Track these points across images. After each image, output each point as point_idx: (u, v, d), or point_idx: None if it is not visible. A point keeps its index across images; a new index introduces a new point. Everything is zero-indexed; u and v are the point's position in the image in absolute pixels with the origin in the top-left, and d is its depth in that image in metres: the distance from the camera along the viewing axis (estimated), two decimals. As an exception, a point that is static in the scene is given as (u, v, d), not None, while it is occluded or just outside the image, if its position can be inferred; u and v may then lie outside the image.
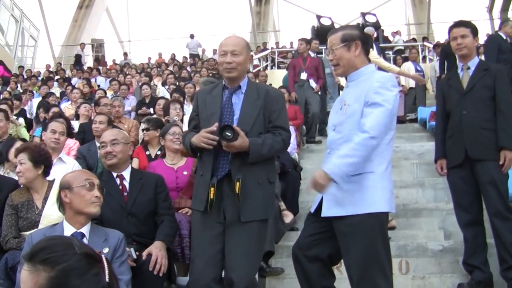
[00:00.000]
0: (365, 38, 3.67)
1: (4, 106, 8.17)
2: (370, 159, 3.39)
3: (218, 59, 3.90)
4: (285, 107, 3.97)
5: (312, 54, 11.05)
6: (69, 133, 6.50)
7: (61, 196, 3.46)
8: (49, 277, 1.60)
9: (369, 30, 11.88)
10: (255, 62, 18.66)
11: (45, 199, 4.22)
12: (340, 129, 3.55)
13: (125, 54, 27.33)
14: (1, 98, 12.67)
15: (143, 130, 6.29)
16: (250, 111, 3.74)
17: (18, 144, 5.45)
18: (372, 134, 3.32)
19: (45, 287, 1.60)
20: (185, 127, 6.69)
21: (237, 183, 3.58)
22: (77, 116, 8.83)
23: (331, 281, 3.70)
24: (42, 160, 4.34)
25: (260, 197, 3.70)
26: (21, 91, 15.66)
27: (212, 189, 3.60)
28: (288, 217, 5.61)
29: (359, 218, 3.35)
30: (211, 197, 3.60)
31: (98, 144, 5.81)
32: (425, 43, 18.57)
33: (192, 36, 25.88)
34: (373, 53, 9.18)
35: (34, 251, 1.66)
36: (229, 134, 3.49)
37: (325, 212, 3.51)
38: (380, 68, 8.37)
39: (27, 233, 4.00)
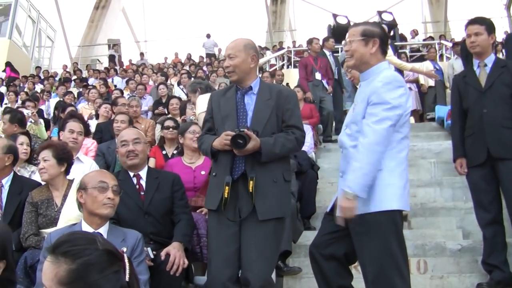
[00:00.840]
0: (386, 38, 3.65)
1: (25, 111, 8.23)
2: None
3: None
4: (298, 106, 3.97)
5: (327, 53, 11.00)
6: (86, 133, 6.53)
7: (77, 196, 3.50)
8: (69, 269, 1.64)
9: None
10: (272, 61, 18.65)
11: (65, 197, 4.25)
12: (350, 129, 3.56)
13: (142, 54, 27.52)
14: (20, 99, 12.78)
15: (167, 128, 6.25)
16: (263, 111, 3.75)
17: (21, 138, 5.50)
18: (375, 139, 3.31)
19: (64, 279, 1.63)
20: (200, 127, 6.72)
21: (251, 182, 3.61)
22: (97, 116, 8.85)
23: (348, 280, 3.69)
24: (66, 158, 4.40)
25: (276, 195, 3.70)
26: (38, 91, 15.77)
27: (227, 188, 3.62)
28: None
29: (371, 217, 3.33)
30: (225, 196, 3.61)
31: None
32: (443, 42, 18.41)
33: (208, 36, 25.93)
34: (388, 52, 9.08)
35: (57, 243, 1.70)
36: (241, 142, 3.52)
37: (339, 212, 3.50)
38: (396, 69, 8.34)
39: (47, 230, 4.04)
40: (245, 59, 3.79)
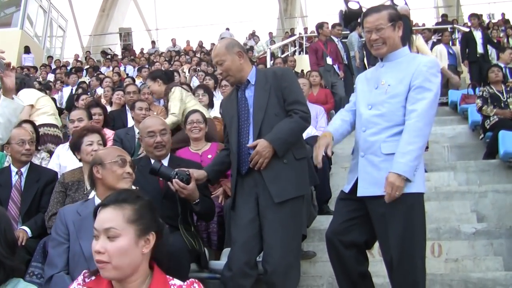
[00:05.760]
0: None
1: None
2: None
3: None
4: (295, 81, 4.02)
5: (335, 39, 10.94)
6: (106, 122, 6.62)
7: (93, 171, 3.50)
8: (134, 209, 2.28)
9: (403, 8, 10.29)
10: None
11: None
12: (379, 108, 3.51)
13: (153, 42, 27.50)
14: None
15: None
16: (261, 97, 3.82)
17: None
18: (425, 122, 3.31)
19: (132, 215, 2.25)
20: (215, 113, 6.76)
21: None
22: (111, 103, 8.86)
23: (366, 265, 3.69)
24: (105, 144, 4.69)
25: (289, 176, 3.74)
26: (51, 81, 15.85)
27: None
28: None
29: (400, 198, 3.30)
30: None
31: (137, 130, 5.93)
32: (456, 26, 18.24)
33: (228, 29, 25.90)
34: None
35: (118, 196, 2.33)
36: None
37: (362, 192, 3.50)
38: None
39: None
40: (233, 59, 3.87)
